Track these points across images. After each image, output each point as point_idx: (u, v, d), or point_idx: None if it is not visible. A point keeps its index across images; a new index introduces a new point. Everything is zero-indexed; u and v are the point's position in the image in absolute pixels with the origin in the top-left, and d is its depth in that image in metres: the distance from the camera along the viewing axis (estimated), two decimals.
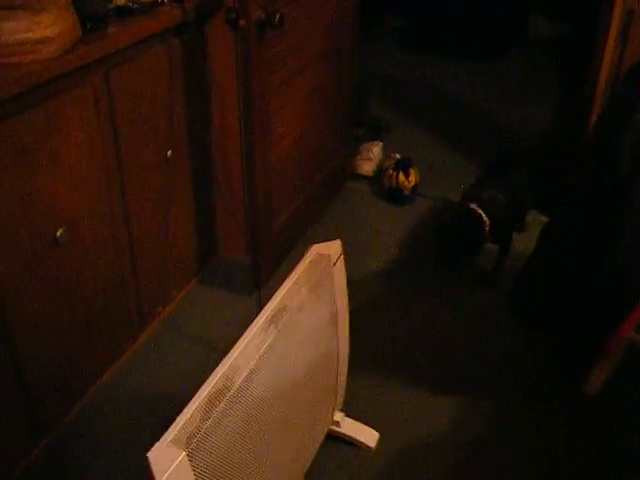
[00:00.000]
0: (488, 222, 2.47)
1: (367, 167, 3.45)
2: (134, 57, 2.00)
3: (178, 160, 2.32)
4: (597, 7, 2.88)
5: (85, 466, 1.97)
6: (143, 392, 2.20)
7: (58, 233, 1.82)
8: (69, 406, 2.08)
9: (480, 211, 2.47)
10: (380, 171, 3.41)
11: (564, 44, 5.06)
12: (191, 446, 1.20)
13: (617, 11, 2.64)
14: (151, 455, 1.15)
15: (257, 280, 2.50)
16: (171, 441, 1.19)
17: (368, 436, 2.03)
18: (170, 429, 1.21)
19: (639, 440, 2.09)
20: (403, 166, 3.22)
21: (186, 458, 1.17)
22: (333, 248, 1.72)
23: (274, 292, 1.57)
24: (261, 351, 1.44)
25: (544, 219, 2.92)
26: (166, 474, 1.13)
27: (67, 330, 1.97)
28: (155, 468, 1.13)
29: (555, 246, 2.15)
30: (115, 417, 2.11)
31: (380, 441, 2.03)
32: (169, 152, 2.25)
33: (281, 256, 2.72)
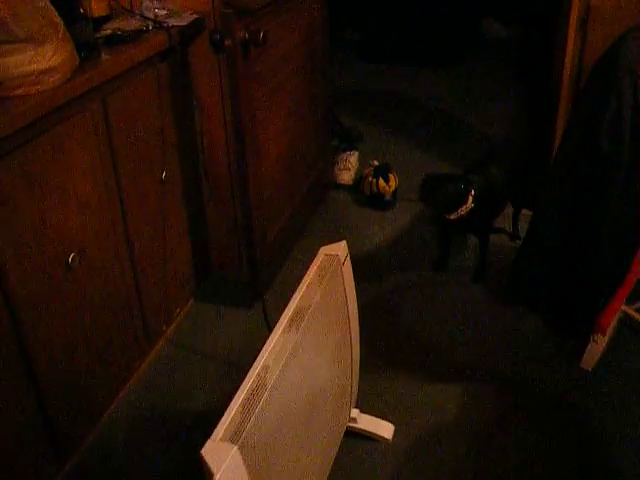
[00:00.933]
0: (473, 193, 2.55)
1: (346, 176, 3.54)
2: (126, 83, 2.05)
3: (172, 181, 2.38)
4: (550, 8, 3.02)
5: None
6: (158, 408, 2.24)
7: (70, 258, 1.87)
8: (88, 427, 2.12)
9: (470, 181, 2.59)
10: (359, 179, 3.49)
11: (520, 43, 5.22)
12: (240, 441, 1.26)
13: (575, 6, 2.77)
14: (205, 452, 1.21)
15: (259, 291, 2.56)
16: (221, 438, 1.25)
17: (384, 429, 2.10)
18: (217, 428, 1.26)
19: (636, 411, 2.18)
20: (382, 172, 3.32)
21: (238, 452, 1.23)
22: (340, 248, 1.79)
23: (287, 296, 1.62)
24: (287, 352, 1.50)
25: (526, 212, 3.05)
26: (222, 468, 1.19)
27: (81, 352, 2.01)
28: (211, 464, 1.19)
29: (545, 231, 2.26)
30: (134, 433, 2.15)
31: (396, 433, 2.11)
32: (164, 174, 2.30)
33: (276, 268, 2.79)
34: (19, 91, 1.66)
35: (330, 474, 1.90)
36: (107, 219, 2.05)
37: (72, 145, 1.85)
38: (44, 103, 1.69)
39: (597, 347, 2.28)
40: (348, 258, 1.83)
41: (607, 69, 1.99)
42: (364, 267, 2.89)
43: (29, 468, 1.88)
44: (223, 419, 1.28)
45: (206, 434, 1.24)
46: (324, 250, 1.78)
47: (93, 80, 1.85)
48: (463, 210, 2.55)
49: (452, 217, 2.57)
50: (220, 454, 1.21)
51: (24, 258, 1.71)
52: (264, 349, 1.47)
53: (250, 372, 1.40)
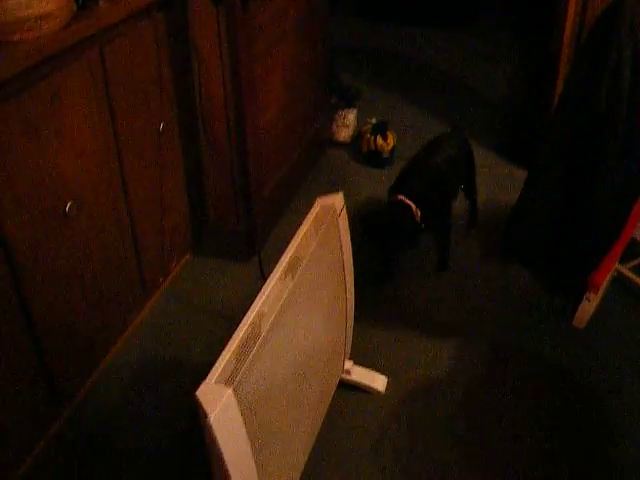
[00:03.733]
0: (418, 211, 2.38)
1: (344, 134, 3.53)
2: (124, 32, 2.03)
3: (170, 132, 2.38)
4: None
5: (106, 432, 2.04)
6: (153, 358, 2.27)
7: (67, 206, 1.87)
8: (85, 376, 2.15)
9: (408, 201, 2.39)
10: (357, 137, 3.49)
11: (521, 3, 5.16)
12: (234, 384, 1.28)
13: None
14: (199, 394, 1.22)
15: (256, 245, 2.57)
16: (216, 380, 1.27)
17: (377, 381, 2.13)
18: (212, 371, 1.28)
19: (626, 370, 2.21)
20: (380, 130, 3.31)
21: (232, 394, 1.25)
22: (336, 200, 1.80)
23: (283, 250, 1.63)
24: (282, 299, 1.51)
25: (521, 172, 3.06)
26: (216, 409, 1.21)
27: (78, 300, 2.03)
28: (205, 405, 1.21)
29: (540, 189, 2.26)
30: (130, 383, 2.18)
31: (389, 385, 2.14)
32: (162, 125, 2.30)
33: (273, 222, 2.80)
34: (15, 37, 1.65)
35: (322, 424, 1.93)
36: (104, 168, 2.05)
37: (69, 94, 1.84)
38: (41, 49, 1.67)
39: (590, 305, 2.30)
40: (344, 209, 1.84)
41: (607, 25, 1.98)
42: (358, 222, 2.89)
43: (27, 414, 1.90)
44: (218, 362, 1.30)
45: (201, 382, 1.26)
46: (320, 201, 1.79)
47: (90, 28, 1.84)
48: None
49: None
50: (214, 396, 1.23)
51: (21, 205, 1.72)
52: (259, 296, 1.48)
53: (245, 318, 1.41)
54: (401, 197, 2.40)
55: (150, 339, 2.34)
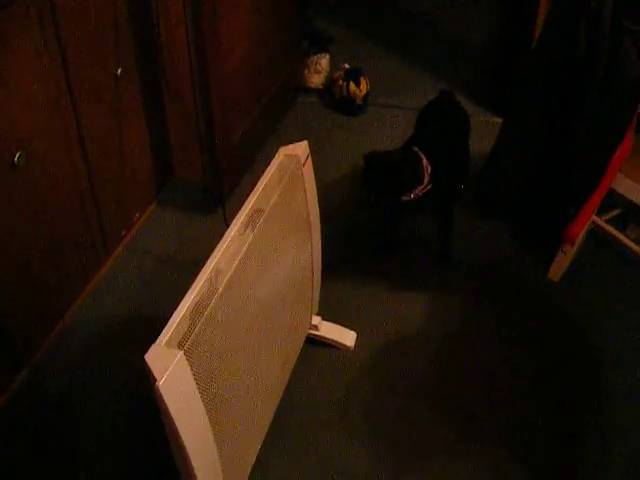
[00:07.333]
0: (429, 167, 2.09)
1: (316, 80, 3.40)
2: None
3: (128, 78, 2.26)
4: None
5: (66, 392, 1.97)
6: (115, 314, 2.19)
7: (16, 157, 1.77)
8: (44, 335, 2.07)
9: (422, 154, 2.11)
10: (330, 83, 3.37)
11: None
12: (186, 346, 1.21)
13: None
14: (148, 357, 1.15)
15: (220, 195, 2.47)
16: (166, 343, 1.19)
17: (346, 336, 2.07)
18: (162, 333, 1.21)
19: (599, 323, 2.17)
20: (353, 75, 3.20)
21: (184, 357, 1.17)
22: (301, 149, 1.71)
23: (243, 199, 1.55)
24: (241, 254, 1.43)
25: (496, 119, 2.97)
26: (166, 373, 1.13)
27: (34, 257, 1.94)
28: (154, 369, 1.13)
29: (516, 138, 2.18)
30: (90, 341, 2.10)
31: (358, 340, 2.08)
32: (119, 70, 2.18)
33: (240, 173, 2.69)
34: None
35: (289, 382, 1.87)
36: (57, 116, 1.93)
37: (14, 37, 1.71)
38: None
39: (565, 258, 2.24)
40: (309, 159, 1.76)
41: None
42: (331, 173, 2.80)
43: None
44: (169, 324, 1.22)
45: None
46: (283, 150, 1.70)
47: None
48: (420, 191, 2.10)
49: (405, 199, 2.12)
50: (164, 359, 1.15)
51: None
52: (215, 251, 1.40)
53: (200, 275, 1.34)
54: (415, 149, 2.13)
55: (113, 294, 2.26)
